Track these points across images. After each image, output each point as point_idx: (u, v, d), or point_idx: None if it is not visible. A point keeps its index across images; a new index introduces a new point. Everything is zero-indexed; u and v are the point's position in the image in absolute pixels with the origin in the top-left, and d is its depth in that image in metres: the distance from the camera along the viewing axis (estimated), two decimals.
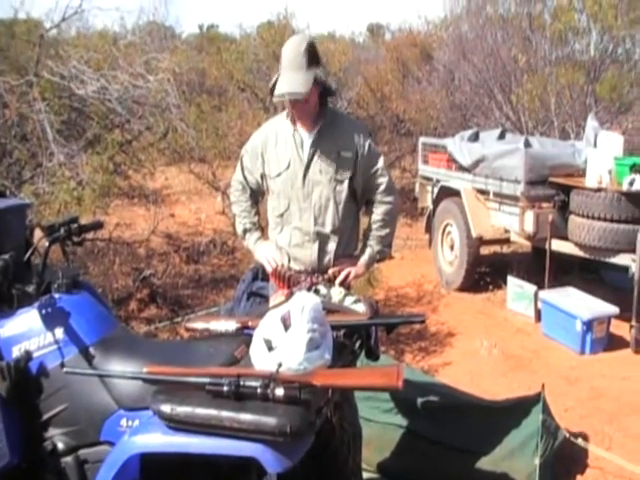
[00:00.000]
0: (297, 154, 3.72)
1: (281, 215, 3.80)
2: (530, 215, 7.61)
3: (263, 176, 3.87)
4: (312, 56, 3.60)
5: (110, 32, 9.72)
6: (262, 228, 4.06)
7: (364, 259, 3.86)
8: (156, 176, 10.02)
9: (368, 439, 3.94)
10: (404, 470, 4.32)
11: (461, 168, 8.88)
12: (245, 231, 4.01)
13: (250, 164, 3.92)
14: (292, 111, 3.72)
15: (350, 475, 3.44)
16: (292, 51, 3.59)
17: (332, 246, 3.75)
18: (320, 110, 3.75)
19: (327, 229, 3.74)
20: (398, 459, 4.36)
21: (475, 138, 9.17)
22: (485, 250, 9.28)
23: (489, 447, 4.21)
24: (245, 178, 3.97)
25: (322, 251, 3.75)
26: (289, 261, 3.80)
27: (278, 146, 3.78)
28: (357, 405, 3.77)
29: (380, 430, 4.39)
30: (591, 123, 8.37)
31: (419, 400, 4.44)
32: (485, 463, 4.19)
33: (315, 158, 3.71)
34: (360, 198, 3.84)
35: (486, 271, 9.07)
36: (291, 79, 3.54)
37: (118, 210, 9.71)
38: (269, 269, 3.83)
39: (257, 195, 4.05)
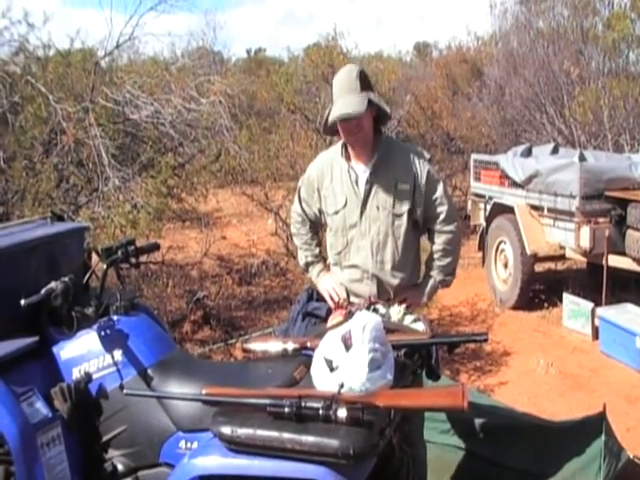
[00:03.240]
0: (353, 191, 3.63)
1: (339, 253, 3.73)
2: (586, 230, 7.48)
3: (321, 211, 3.81)
4: (364, 81, 3.55)
5: (161, 58, 9.87)
6: (325, 259, 4.00)
7: (426, 289, 3.78)
8: (208, 199, 10.10)
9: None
10: None
11: (514, 184, 8.79)
12: (307, 264, 3.98)
13: (307, 197, 3.86)
14: (347, 141, 3.64)
15: None
16: (344, 77, 3.56)
17: (393, 282, 3.65)
18: (375, 140, 3.66)
19: (387, 265, 3.64)
20: None
21: (528, 153, 9.06)
22: (540, 267, 9.15)
23: (550, 469, 4.11)
24: (304, 210, 3.91)
25: (382, 286, 3.65)
26: (349, 296, 3.73)
27: (334, 182, 3.70)
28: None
29: (438, 451, 4.32)
30: None
31: (477, 421, 4.36)
32: None
33: (372, 194, 3.61)
34: (421, 227, 3.75)
35: (541, 288, 8.94)
36: (345, 102, 3.48)
37: (170, 233, 9.79)
38: (331, 303, 3.76)
39: (317, 226, 3.99)
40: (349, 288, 3.72)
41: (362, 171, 3.64)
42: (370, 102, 3.52)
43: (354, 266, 3.67)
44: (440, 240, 3.72)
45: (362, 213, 3.61)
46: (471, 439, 4.35)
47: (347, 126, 3.55)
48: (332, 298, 3.76)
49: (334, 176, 3.70)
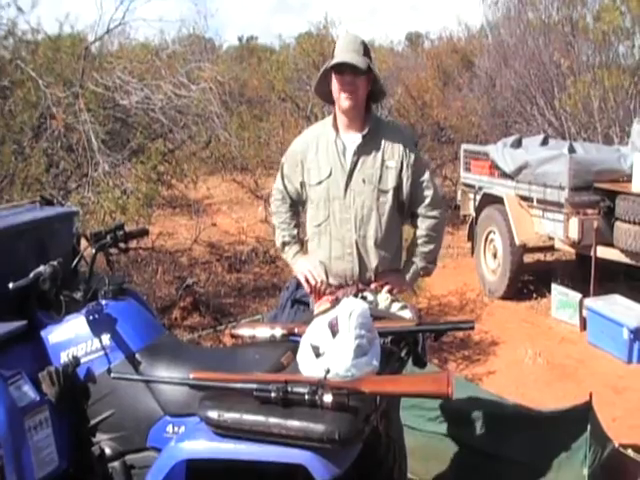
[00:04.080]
0: (339, 161, 3.60)
1: (320, 225, 3.67)
2: (575, 222, 7.50)
3: (303, 184, 3.74)
4: (367, 51, 3.56)
5: (152, 44, 9.85)
6: (302, 241, 3.95)
7: (408, 275, 3.74)
8: (198, 186, 10.08)
9: (413, 448, 3.88)
10: (448, 479, 4.27)
11: (504, 175, 8.81)
12: (284, 244, 3.90)
13: (290, 172, 3.81)
14: (339, 104, 3.59)
15: None
16: (348, 39, 3.57)
17: (374, 260, 3.60)
18: (366, 114, 3.65)
19: (369, 242, 3.59)
20: (443, 469, 4.31)
21: (518, 144, 9.08)
22: (529, 258, 9.18)
23: (536, 457, 4.12)
24: (285, 187, 3.86)
25: (363, 265, 3.60)
26: (327, 277, 3.67)
27: (319, 153, 3.66)
28: (401, 414, 3.73)
29: (425, 439, 4.34)
30: (637, 127, 8.27)
31: (464, 409, 4.37)
32: (532, 474, 4.10)
33: (358, 166, 3.58)
34: (406, 211, 3.71)
35: (530, 279, 8.98)
36: (347, 55, 3.47)
37: (160, 220, 9.79)
38: (306, 286, 3.72)
39: (297, 205, 3.93)
40: (328, 266, 3.65)
41: (350, 142, 3.61)
42: (370, 69, 3.53)
43: (336, 239, 3.61)
44: (425, 225, 3.69)
45: (347, 185, 3.57)
46: (458, 427, 4.36)
47: (343, 79, 3.51)
48: (308, 281, 3.70)
49: (320, 147, 3.66)
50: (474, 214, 9.35)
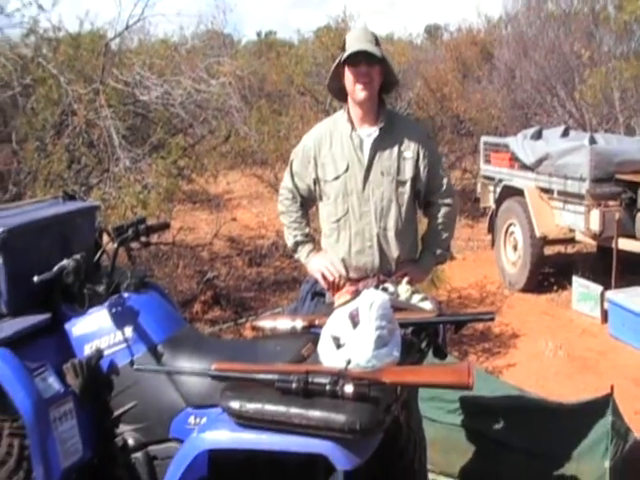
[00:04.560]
0: (356, 156, 3.59)
1: (338, 220, 3.64)
2: (596, 214, 7.47)
3: (316, 181, 3.71)
4: (378, 43, 3.57)
5: (171, 40, 9.89)
6: (314, 239, 3.94)
7: (425, 264, 3.77)
8: (218, 181, 10.11)
9: (433, 440, 3.90)
10: (469, 471, 4.27)
11: (524, 167, 8.80)
12: (297, 244, 3.87)
13: (300, 168, 3.77)
14: (353, 97, 3.59)
15: (416, 475, 3.41)
16: (360, 31, 3.61)
17: (395, 251, 3.61)
18: (379, 107, 3.65)
19: (390, 233, 3.59)
20: (463, 460, 4.31)
21: (538, 136, 9.05)
22: (549, 250, 9.15)
23: (557, 450, 4.12)
24: (295, 185, 3.82)
25: (384, 257, 3.61)
26: (347, 272, 3.66)
27: (334, 147, 3.64)
28: (420, 406, 3.75)
29: (445, 431, 4.34)
30: None
31: (485, 401, 4.38)
32: (553, 466, 4.10)
33: (376, 159, 3.58)
34: (421, 200, 3.74)
35: (550, 271, 8.95)
36: (361, 45, 3.48)
37: (181, 215, 9.84)
38: (323, 284, 3.70)
39: (308, 203, 3.90)
40: (348, 261, 3.64)
41: (366, 135, 3.61)
42: (384, 58, 3.54)
43: (356, 233, 3.60)
44: (439, 213, 3.72)
45: (366, 179, 3.57)
46: (478, 419, 4.36)
47: (358, 70, 3.50)
48: (326, 278, 3.67)
49: (334, 142, 3.65)
50: (494, 206, 9.32)
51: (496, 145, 9.77)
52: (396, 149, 3.60)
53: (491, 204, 9.53)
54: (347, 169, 3.60)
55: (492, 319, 3.08)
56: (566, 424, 4.17)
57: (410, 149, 3.62)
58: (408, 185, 3.61)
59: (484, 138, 10.30)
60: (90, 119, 6.32)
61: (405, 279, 3.50)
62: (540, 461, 4.10)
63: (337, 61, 3.61)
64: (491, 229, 9.44)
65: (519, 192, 8.66)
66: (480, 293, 8.49)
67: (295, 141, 9.33)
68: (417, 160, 3.62)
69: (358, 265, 3.63)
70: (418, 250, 3.79)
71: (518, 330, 7.21)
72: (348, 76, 3.56)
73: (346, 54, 3.50)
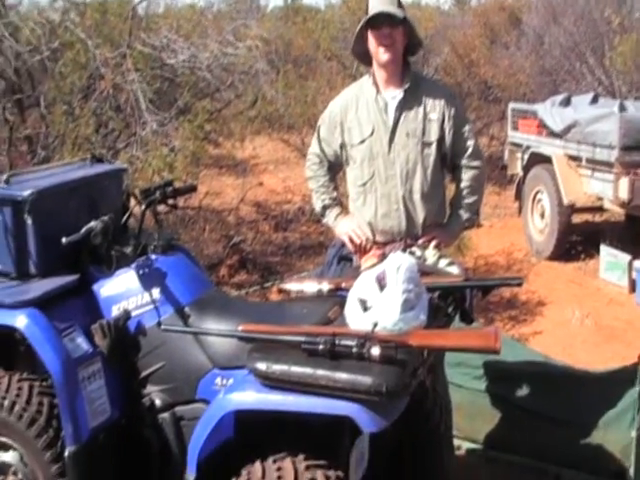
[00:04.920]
0: (381, 119, 3.58)
1: (365, 184, 3.63)
2: (625, 182, 7.37)
3: (343, 146, 3.70)
4: (401, 4, 3.54)
5: (198, 5, 9.83)
6: (342, 203, 3.92)
7: (453, 228, 3.74)
8: (244, 146, 10.10)
9: (458, 405, 3.91)
10: (494, 438, 4.27)
11: (552, 134, 8.70)
12: (325, 208, 3.85)
13: (327, 134, 3.76)
14: (377, 60, 3.56)
15: (441, 439, 3.41)
16: None
17: (421, 214, 3.58)
18: (404, 69, 3.62)
19: (416, 195, 3.57)
20: (488, 427, 4.32)
21: (567, 103, 8.93)
22: (577, 218, 9.06)
23: (583, 418, 4.11)
24: (322, 150, 3.81)
25: (410, 220, 3.58)
26: (374, 235, 3.64)
27: (359, 112, 3.63)
28: (446, 371, 3.75)
29: (471, 397, 4.34)
30: None
31: (511, 367, 4.37)
32: (579, 434, 4.09)
33: (401, 121, 3.56)
34: (448, 163, 3.70)
35: (578, 240, 8.88)
36: (384, 6, 3.46)
37: (207, 180, 9.84)
38: (351, 246, 3.69)
39: (335, 168, 3.88)
40: (375, 225, 3.62)
41: (391, 97, 3.59)
42: (406, 19, 3.51)
43: (382, 196, 3.59)
44: (467, 176, 3.68)
45: (391, 141, 3.56)
46: (504, 386, 4.36)
47: (380, 32, 3.49)
48: (353, 241, 3.66)
49: (360, 106, 3.63)
50: (522, 173, 9.25)
51: (524, 112, 9.67)
52: (421, 110, 3.58)
53: (518, 171, 9.45)
54: (372, 132, 3.59)
55: (520, 284, 3.06)
56: (593, 392, 4.16)
57: (436, 110, 3.59)
58: (434, 147, 3.58)
59: (512, 105, 10.20)
60: (117, 83, 6.32)
61: (432, 243, 3.50)
62: (566, 429, 4.09)
63: (360, 25, 3.58)
64: (518, 196, 9.37)
65: (547, 159, 8.57)
66: (507, 260, 8.45)
67: (322, 106, 9.29)
68: (443, 121, 3.59)
69: (384, 228, 3.61)
70: (446, 215, 3.76)
71: (545, 298, 7.17)
72: (371, 39, 3.54)
73: (368, 17, 3.49)
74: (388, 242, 3.59)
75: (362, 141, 3.61)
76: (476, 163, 3.69)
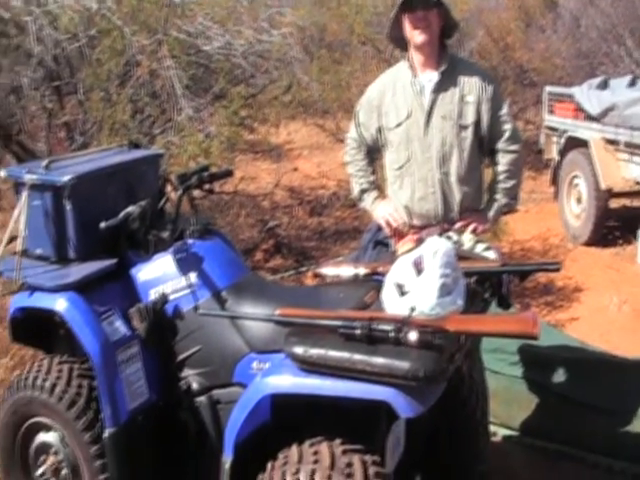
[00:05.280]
0: (417, 102, 3.57)
1: (401, 167, 3.64)
2: None
3: (380, 129, 3.71)
4: None
5: None
6: (380, 188, 3.93)
7: (491, 213, 3.71)
8: (279, 131, 10.12)
9: (494, 392, 3.89)
10: (530, 425, 4.25)
11: (589, 117, 8.60)
12: (362, 192, 3.87)
13: (365, 119, 3.77)
14: (413, 43, 3.56)
15: (477, 425, 3.41)
16: None
17: (457, 197, 3.58)
18: (440, 52, 3.62)
19: (452, 178, 3.56)
20: (524, 413, 4.30)
21: (604, 86, 8.81)
22: (614, 203, 8.93)
23: (620, 405, 4.08)
24: (360, 135, 3.83)
25: (447, 203, 3.58)
26: (411, 219, 3.65)
27: (396, 96, 3.63)
28: (483, 357, 3.74)
29: (507, 383, 4.33)
30: None
31: (547, 354, 4.35)
32: (616, 422, 4.06)
33: (437, 103, 3.55)
34: (485, 147, 3.68)
35: (615, 225, 8.77)
36: None
37: (242, 165, 9.86)
38: (388, 230, 3.71)
39: (373, 153, 3.89)
40: (411, 208, 3.63)
41: (427, 80, 3.58)
42: (440, 2, 3.49)
43: (419, 180, 3.59)
44: (505, 160, 3.65)
45: (427, 124, 3.55)
46: (541, 372, 4.33)
47: (415, 16, 3.49)
48: (390, 225, 3.69)
49: (397, 90, 3.64)
50: (558, 158, 9.15)
51: (560, 95, 9.57)
52: (458, 93, 3.57)
53: (555, 156, 9.35)
54: (409, 116, 3.59)
55: (558, 269, 3.03)
56: (631, 379, 4.13)
57: (472, 93, 3.57)
58: (470, 130, 3.57)
59: (548, 88, 10.09)
60: (153, 69, 6.34)
61: (469, 228, 3.49)
62: (603, 416, 4.06)
63: (395, 10, 3.57)
64: (554, 181, 9.28)
65: (584, 143, 8.48)
66: (543, 246, 8.38)
67: (356, 90, 9.28)
68: (479, 104, 3.57)
69: (421, 212, 3.61)
70: (483, 200, 3.74)
71: (582, 284, 7.11)
72: (406, 23, 3.54)
73: (402, 0, 3.48)
74: (425, 226, 3.59)
75: (398, 124, 3.61)
76: (514, 147, 3.66)
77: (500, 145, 3.66)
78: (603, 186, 8.02)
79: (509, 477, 3.87)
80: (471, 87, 3.58)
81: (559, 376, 4.27)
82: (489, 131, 3.62)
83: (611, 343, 5.44)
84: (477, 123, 3.58)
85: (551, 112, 9.61)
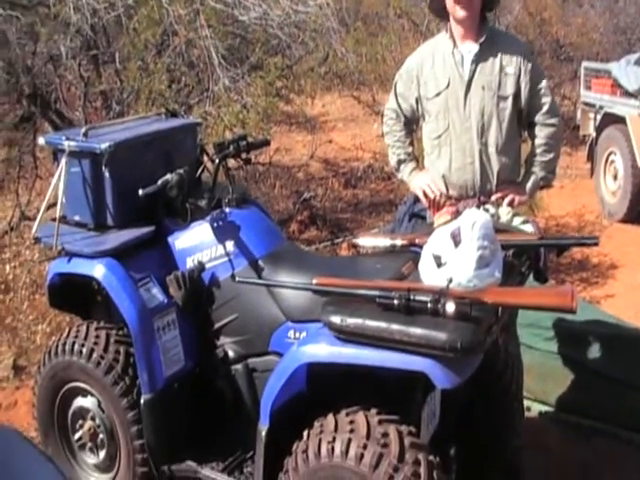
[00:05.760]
0: (457, 72, 3.55)
1: (439, 136, 3.62)
2: None
3: (419, 100, 3.69)
4: None
5: None
6: (417, 159, 3.91)
7: (528, 186, 3.66)
8: (314, 103, 10.08)
9: (529, 366, 3.87)
10: (565, 400, 4.24)
11: (627, 94, 8.46)
12: (400, 162, 3.86)
13: (404, 89, 3.76)
14: (454, 15, 3.53)
15: (512, 399, 3.40)
16: None
17: (495, 168, 3.55)
18: (481, 24, 3.58)
19: (490, 149, 3.54)
20: (559, 389, 4.28)
21: None
22: None
23: None
24: (399, 105, 3.81)
25: (484, 174, 3.55)
26: (447, 189, 3.63)
27: (435, 66, 3.61)
28: (518, 332, 3.73)
29: (542, 358, 4.31)
30: None
31: (582, 329, 4.32)
32: None
33: (477, 74, 3.53)
34: (524, 119, 3.64)
35: None
36: None
37: (278, 136, 9.84)
38: (424, 201, 3.69)
39: (411, 124, 3.88)
40: (448, 178, 3.61)
41: (467, 51, 3.56)
42: None
43: (457, 149, 3.57)
44: (543, 134, 3.62)
45: (466, 94, 3.53)
46: (576, 348, 4.31)
47: None
48: (427, 195, 3.66)
49: (436, 60, 3.62)
50: (594, 134, 9.03)
51: (597, 71, 9.43)
52: (498, 64, 3.54)
53: (591, 132, 9.23)
54: (448, 85, 3.57)
55: (596, 244, 3.01)
56: None
57: (512, 65, 3.54)
58: (509, 101, 3.54)
59: (585, 64, 9.95)
60: (190, 39, 6.34)
61: (506, 201, 3.47)
62: (638, 393, 4.04)
63: None
64: (590, 157, 9.17)
65: (621, 120, 8.34)
66: (578, 222, 8.29)
67: (393, 63, 9.22)
68: (519, 76, 3.55)
69: (458, 182, 3.59)
70: (520, 173, 3.72)
71: (617, 261, 7.03)
72: None
73: None
74: (462, 197, 3.58)
75: (438, 94, 3.59)
76: (553, 120, 3.63)
77: (539, 118, 3.62)
78: None
79: (543, 452, 3.86)
80: (511, 59, 3.55)
81: (594, 352, 4.24)
82: (528, 103, 3.59)
83: None
84: (516, 95, 3.55)
85: (588, 88, 9.47)
